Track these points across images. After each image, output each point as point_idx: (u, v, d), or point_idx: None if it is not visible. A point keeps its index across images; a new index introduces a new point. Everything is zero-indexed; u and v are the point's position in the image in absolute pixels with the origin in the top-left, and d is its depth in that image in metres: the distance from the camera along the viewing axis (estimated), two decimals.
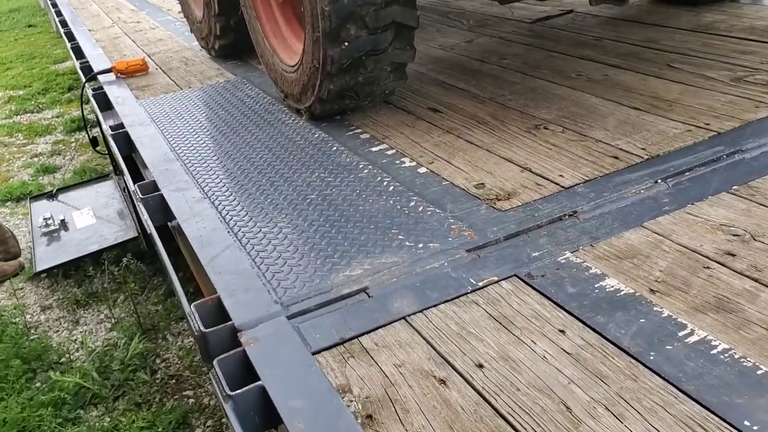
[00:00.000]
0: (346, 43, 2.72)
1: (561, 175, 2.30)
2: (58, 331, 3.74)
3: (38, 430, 2.88)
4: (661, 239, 1.91)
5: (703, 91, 2.83)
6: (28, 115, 7.69)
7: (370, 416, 1.44)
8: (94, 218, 4.33)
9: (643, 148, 2.41)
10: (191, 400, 3.15)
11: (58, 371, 3.30)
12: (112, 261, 4.20)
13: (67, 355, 3.50)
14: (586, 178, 2.26)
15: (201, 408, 3.10)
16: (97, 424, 3.01)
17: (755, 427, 1.30)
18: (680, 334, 1.56)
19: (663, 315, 1.62)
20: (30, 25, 12.87)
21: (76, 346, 3.58)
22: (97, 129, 5.20)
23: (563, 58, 3.54)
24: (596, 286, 1.75)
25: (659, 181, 2.20)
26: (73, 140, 6.69)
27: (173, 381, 3.30)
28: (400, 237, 2.07)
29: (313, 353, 1.64)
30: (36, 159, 6.32)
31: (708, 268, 1.77)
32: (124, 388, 3.22)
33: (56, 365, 3.39)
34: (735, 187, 2.12)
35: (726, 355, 1.48)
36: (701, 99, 2.76)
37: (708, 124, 2.52)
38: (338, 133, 2.94)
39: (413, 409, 1.44)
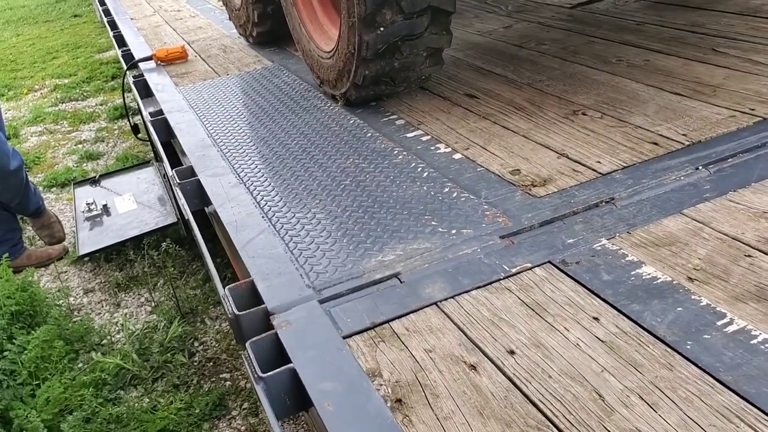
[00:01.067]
0: (382, 28, 2.70)
1: (598, 162, 2.26)
2: (99, 313, 3.82)
3: (80, 410, 2.95)
4: (700, 227, 1.86)
5: (749, 76, 2.75)
6: (73, 103, 7.86)
7: (399, 400, 1.44)
8: (135, 204, 4.41)
9: (684, 135, 2.35)
10: (228, 383, 3.19)
11: (100, 353, 3.37)
12: (152, 246, 4.27)
13: (109, 337, 3.57)
14: (625, 165, 2.22)
15: (237, 390, 3.14)
16: (136, 404, 3.08)
17: None
18: (719, 323, 1.52)
19: (701, 304, 1.58)
20: (75, 15, 13.12)
21: (117, 328, 3.66)
22: (139, 116, 5.28)
23: (603, 43, 3.46)
24: (632, 273, 1.72)
25: (700, 167, 2.14)
26: (115, 127, 6.82)
27: (210, 364, 3.35)
28: (433, 223, 2.06)
29: (344, 337, 1.64)
30: (80, 146, 6.46)
31: (749, 256, 1.72)
32: (162, 369, 3.28)
33: (98, 347, 3.47)
34: None
35: (766, 345, 1.44)
36: (747, 84, 2.67)
37: (753, 110, 2.44)
38: (373, 119, 2.93)
39: (443, 394, 1.44)
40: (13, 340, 3.19)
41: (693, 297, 1.61)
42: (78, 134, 6.83)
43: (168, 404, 3.04)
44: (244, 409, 3.03)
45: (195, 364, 3.33)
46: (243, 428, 2.93)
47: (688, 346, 1.46)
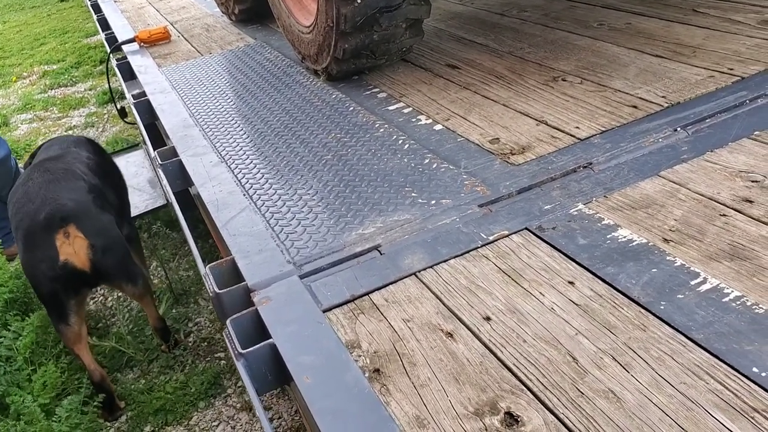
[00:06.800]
0: (359, 1, 2.68)
1: (577, 127, 2.26)
2: (93, 297, 3.84)
3: (77, 393, 2.98)
4: (677, 188, 1.87)
5: (729, 36, 2.74)
6: (62, 89, 7.82)
7: (377, 370, 1.46)
8: None
9: (663, 96, 2.35)
10: (222, 362, 3.22)
11: (95, 336, 3.40)
12: (144, 229, 4.29)
13: (104, 321, 3.60)
14: (603, 129, 2.22)
15: (232, 369, 3.17)
16: (132, 385, 3.11)
17: (763, 374, 1.28)
18: (692, 282, 1.53)
19: (675, 264, 1.59)
20: (62, 0, 13.00)
21: (111, 312, 3.68)
22: (126, 99, 5.26)
23: (585, 8, 3.44)
24: (608, 237, 1.73)
25: (678, 129, 2.14)
26: (105, 112, 6.79)
27: (205, 344, 3.37)
28: (413, 194, 2.07)
29: (324, 311, 1.66)
30: (70, 132, 6.44)
31: (724, 215, 1.73)
32: (157, 351, 3.30)
33: (93, 330, 3.49)
34: (757, 132, 2.06)
35: (738, 302, 1.45)
36: (726, 44, 2.66)
37: (732, 69, 2.44)
38: (355, 93, 2.93)
39: (420, 362, 1.46)
40: (9, 327, 3.22)
41: (668, 258, 1.62)
42: (68, 120, 6.81)
43: (164, 384, 3.07)
44: (239, 387, 3.06)
45: (190, 344, 3.36)
46: (238, 405, 2.96)
47: (662, 307, 1.48)
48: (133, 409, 2.99)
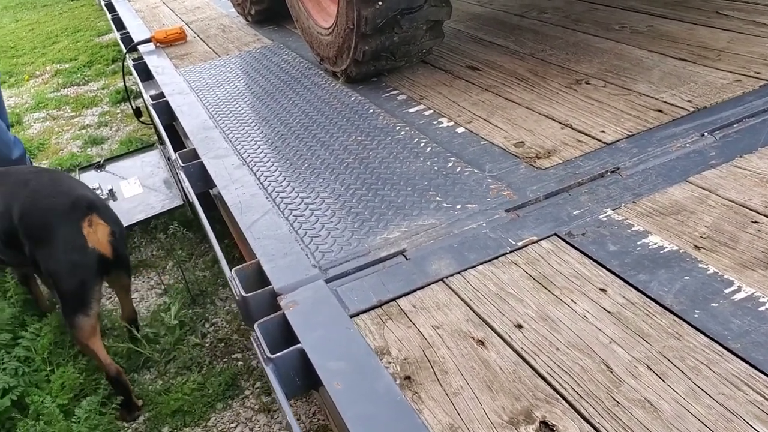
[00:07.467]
0: (380, 3, 2.67)
1: (603, 131, 2.24)
2: (111, 298, 3.84)
3: (94, 394, 2.98)
4: (707, 194, 1.85)
5: (754, 39, 2.71)
6: (75, 87, 7.83)
7: (408, 377, 1.45)
8: (140, 187, 4.41)
9: (689, 101, 2.33)
10: (240, 363, 3.22)
11: (111, 337, 3.40)
12: (160, 229, 4.29)
13: (120, 322, 3.60)
14: (629, 133, 2.20)
15: (249, 370, 3.17)
16: (150, 386, 3.11)
17: None
18: (726, 291, 1.51)
19: (708, 272, 1.58)
20: None
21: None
22: (141, 99, 5.27)
23: (606, 10, 3.42)
24: (638, 243, 1.71)
25: (706, 134, 2.12)
26: (118, 111, 6.80)
27: (222, 344, 3.37)
28: (437, 198, 2.06)
29: (351, 316, 1.65)
30: (84, 131, 6.45)
31: (756, 222, 1.71)
32: (174, 352, 3.30)
33: (109, 330, 3.50)
34: None
35: None
36: (752, 47, 2.64)
37: (759, 73, 2.41)
38: (375, 95, 2.92)
39: (451, 370, 1.44)
40: (27, 328, 3.22)
41: (700, 265, 1.60)
42: (81, 119, 6.82)
43: (181, 385, 3.07)
44: (257, 388, 3.06)
45: (207, 345, 3.36)
46: (256, 407, 2.96)
47: (696, 315, 1.46)
48: (151, 410, 2.99)
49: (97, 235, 2.77)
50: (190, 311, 3.55)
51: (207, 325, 3.51)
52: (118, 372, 2.93)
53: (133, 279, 3.95)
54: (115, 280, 3.12)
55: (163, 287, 3.87)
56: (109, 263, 2.83)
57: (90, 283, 2.78)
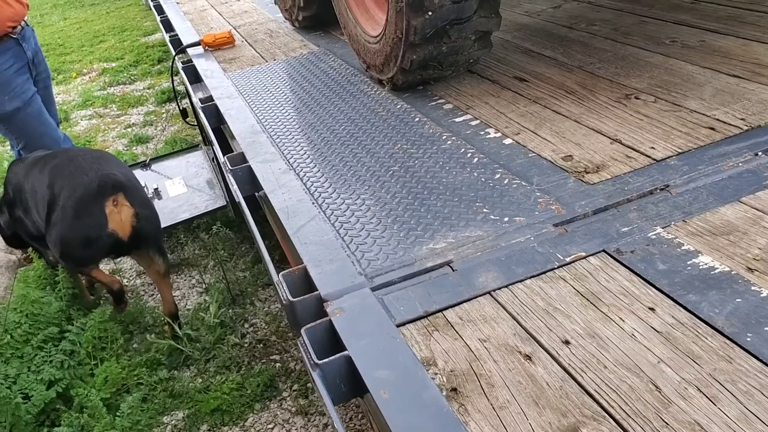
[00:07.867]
0: (430, 13, 2.69)
1: (653, 147, 2.22)
2: (153, 295, 3.92)
3: (136, 389, 3.04)
4: (760, 215, 1.82)
5: None
6: (121, 86, 8.01)
7: (454, 389, 1.46)
8: (185, 187, 4.49)
9: (742, 119, 2.29)
10: (278, 364, 3.25)
11: (153, 333, 3.46)
12: (203, 229, 4.36)
13: (162, 318, 3.66)
14: (680, 151, 2.18)
15: (287, 372, 3.20)
16: (190, 384, 3.16)
17: None
18: None
19: (762, 295, 1.55)
20: None
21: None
22: (187, 100, 5.36)
23: (656, 24, 3.38)
24: (689, 263, 1.69)
25: (760, 153, 2.09)
26: (163, 111, 6.93)
27: (261, 345, 3.41)
28: (484, 210, 2.06)
29: (398, 325, 1.66)
30: (129, 129, 6.59)
31: None
32: (214, 351, 3.35)
33: (151, 327, 3.56)
34: None
35: None
36: None
37: None
38: (421, 104, 2.93)
39: (498, 384, 1.45)
40: (72, 322, 3.31)
41: (753, 288, 1.58)
42: (127, 118, 6.97)
43: (220, 384, 3.12)
44: (294, 390, 3.09)
45: (246, 345, 3.40)
46: (293, 409, 2.99)
47: (748, 339, 1.44)
48: (190, 407, 3.03)
49: (120, 216, 2.91)
50: (230, 311, 3.60)
51: (246, 326, 3.56)
52: (121, 286, 3.30)
53: (174, 277, 4.03)
54: (147, 262, 3.27)
55: (204, 286, 3.93)
56: (124, 245, 3.01)
57: (94, 260, 3.07)
